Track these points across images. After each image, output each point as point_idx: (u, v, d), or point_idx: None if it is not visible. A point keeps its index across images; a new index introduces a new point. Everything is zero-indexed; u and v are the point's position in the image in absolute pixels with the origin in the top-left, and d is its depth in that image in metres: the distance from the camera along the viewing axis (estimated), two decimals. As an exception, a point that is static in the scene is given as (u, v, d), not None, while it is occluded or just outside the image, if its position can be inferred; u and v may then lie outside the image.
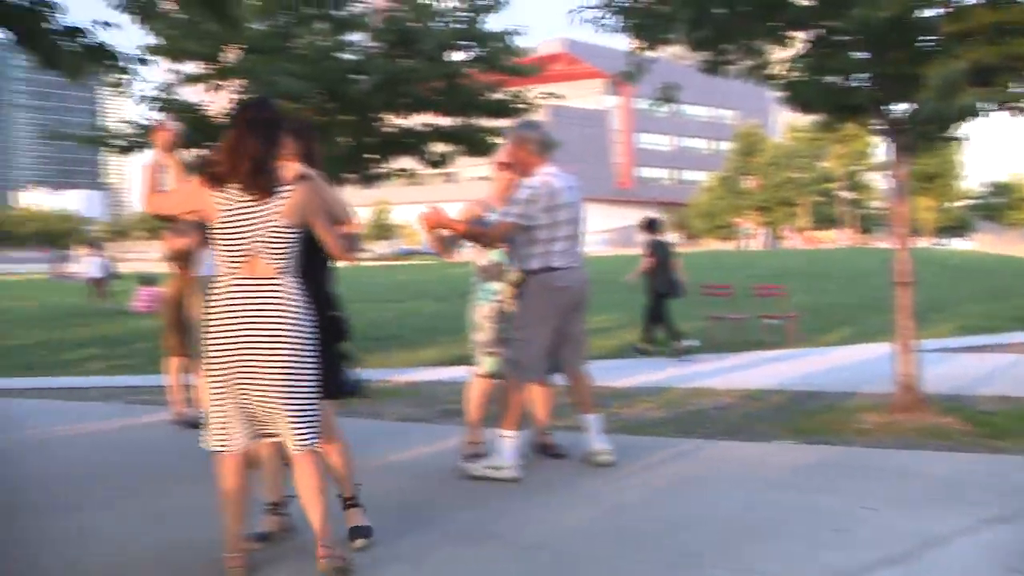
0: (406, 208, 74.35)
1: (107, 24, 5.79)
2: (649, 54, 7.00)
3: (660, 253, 11.64)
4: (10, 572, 3.94)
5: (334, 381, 4.31)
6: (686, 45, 6.98)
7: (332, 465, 4.26)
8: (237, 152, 3.74)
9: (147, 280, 22.01)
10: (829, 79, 7.05)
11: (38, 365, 12.09)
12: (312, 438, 3.83)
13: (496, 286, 5.72)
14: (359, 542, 4.21)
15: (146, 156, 10.12)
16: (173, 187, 4.13)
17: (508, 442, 5.38)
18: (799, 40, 7.02)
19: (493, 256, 5.76)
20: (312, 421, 3.83)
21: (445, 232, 5.53)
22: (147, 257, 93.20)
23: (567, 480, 5.39)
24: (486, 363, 5.72)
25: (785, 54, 7.10)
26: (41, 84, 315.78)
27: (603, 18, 6.85)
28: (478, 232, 5.54)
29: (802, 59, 6.99)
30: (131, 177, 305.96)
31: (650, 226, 11.92)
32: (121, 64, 5.34)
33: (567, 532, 4.45)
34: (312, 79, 8.76)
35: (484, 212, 5.72)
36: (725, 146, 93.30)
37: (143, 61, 6.20)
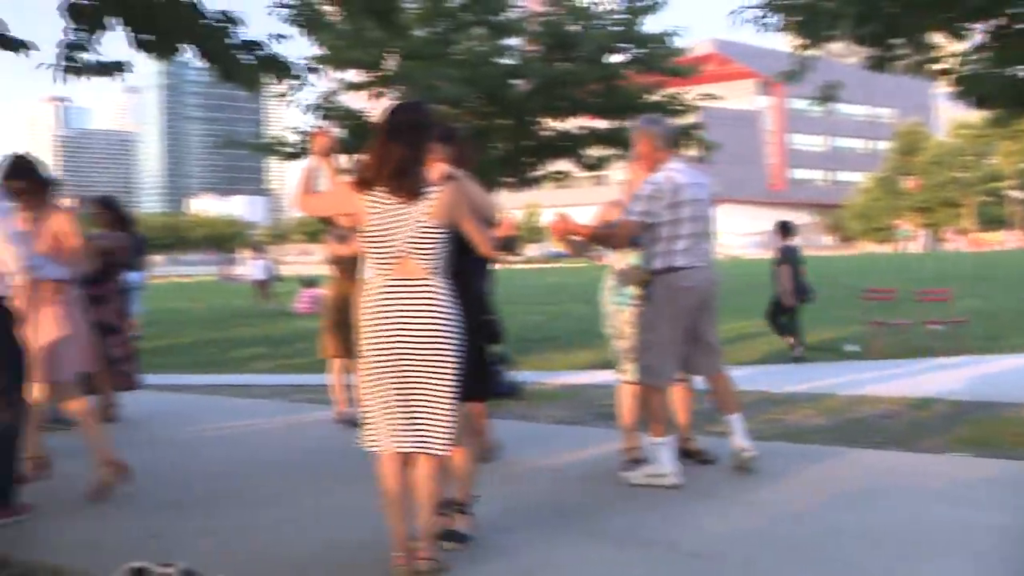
0: (556, 211, 74.37)
1: (280, 37, 6.00)
2: (811, 52, 6.77)
3: (791, 258, 11.41)
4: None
5: (488, 383, 4.31)
6: (851, 41, 6.71)
7: (458, 467, 4.25)
8: (382, 156, 3.80)
9: (309, 282, 22.76)
10: (1011, 71, 6.64)
11: (208, 363, 12.64)
12: (446, 442, 3.85)
13: (633, 290, 5.63)
14: (449, 544, 4.16)
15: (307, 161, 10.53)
16: (326, 189, 4.23)
17: (662, 448, 5.27)
18: (976, 32, 6.65)
19: (630, 259, 5.65)
20: (450, 424, 3.84)
21: (576, 238, 5.46)
22: (307, 260, 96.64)
23: (724, 486, 5.24)
24: (631, 369, 5.62)
25: (959, 47, 6.74)
26: (211, 97, 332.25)
27: (764, 17, 6.67)
28: (604, 235, 5.42)
29: (980, 51, 6.61)
30: (291, 183, 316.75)
31: (783, 230, 11.69)
32: (294, 74, 5.51)
33: (726, 539, 4.31)
34: (471, 84, 8.86)
35: (620, 212, 5.59)
36: (883, 145, 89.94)
37: (312, 71, 6.37)
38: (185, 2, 4.77)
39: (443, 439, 3.84)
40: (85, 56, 5.10)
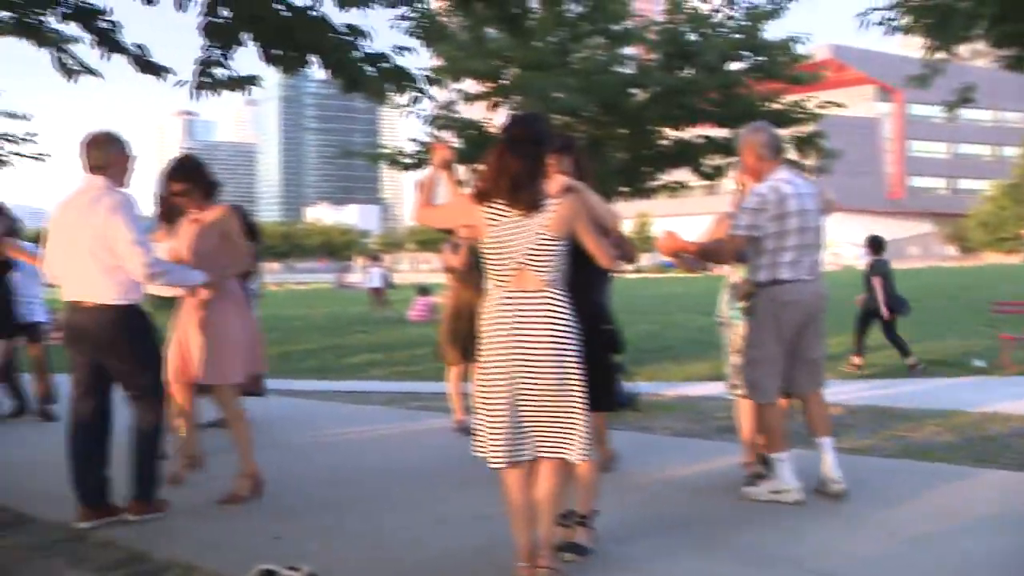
0: (668, 221, 74.27)
1: (404, 49, 6.08)
2: (941, 55, 6.52)
3: (883, 272, 11.30)
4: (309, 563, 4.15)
5: (607, 394, 4.27)
6: (987, 42, 6.43)
7: (581, 478, 4.22)
8: (499, 169, 3.81)
9: (423, 290, 23.07)
10: None
11: (325, 369, 12.89)
12: (584, 449, 3.83)
13: (741, 303, 5.48)
14: (569, 556, 4.13)
15: (426, 172, 10.67)
16: (445, 201, 4.26)
17: (783, 464, 5.13)
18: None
19: (741, 271, 5.51)
20: (586, 431, 3.83)
21: (684, 254, 5.34)
22: (420, 268, 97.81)
23: (847, 505, 5.04)
24: (742, 383, 5.47)
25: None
26: (327, 108, 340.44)
27: (893, 19, 6.45)
28: (711, 250, 5.28)
29: None
30: (404, 192, 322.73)
31: (873, 245, 11.59)
32: (418, 85, 5.57)
33: (850, 560, 4.17)
34: (589, 93, 8.84)
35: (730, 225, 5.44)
36: (1010, 151, 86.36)
37: (433, 82, 6.43)
38: (315, 17, 4.87)
39: (580, 446, 3.83)
40: (219, 72, 5.24)
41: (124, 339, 4.86)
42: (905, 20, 6.57)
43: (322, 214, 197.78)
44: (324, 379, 11.74)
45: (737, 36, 9.13)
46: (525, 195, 3.78)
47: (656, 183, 10.51)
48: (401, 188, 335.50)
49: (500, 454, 3.84)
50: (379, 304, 25.66)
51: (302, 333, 19.12)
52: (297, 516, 5.09)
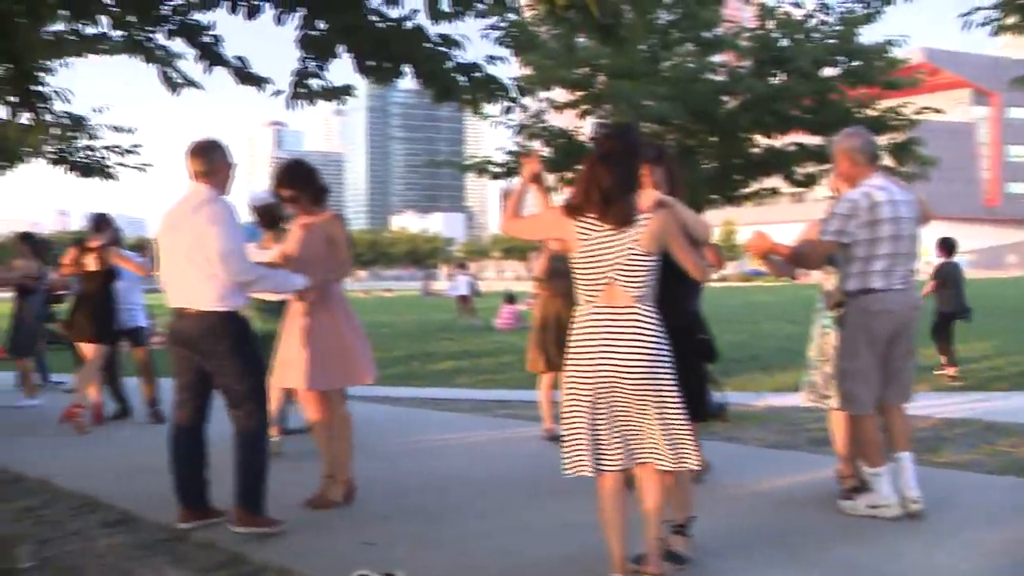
0: (753, 228, 73.04)
1: (495, 59, 6.12)
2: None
3: (952, 275, 11.12)
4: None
5: (702, 403, 4.23)
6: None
7: (677, 485, 4.20)
8: (590, 184, 3.80)
9: (510, 298, 23.14)
10: None
11: (412, 376, 13.00)
12: (689, 458, 3.82)
13: (832, 312, 5.34)
14: (668, 565, 4.08)
15: (514, 181, 10.71)
16: (534, 212, 4.26)
17: (880, 478, 4.99)
18: None
19: (833, 280, 5.37)
20: (687, 441, 3.81)
21: (774, 257, 5.23)
22: (504, 276, 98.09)
23: (946, 521, 4.89)
24: (835, 395, 5.34)
25: None
26: (413, 118, 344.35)
27: (999, 19, 6.23)
28: (800, 253, 5.15)
29: None
30: (489, 200, 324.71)
31: (945, 247, 11.34)
32: (510, 95, 5.60)
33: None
34: (679, 101, 8.77)
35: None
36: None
37: (524, 91, 6.46)
38: (410, 28, 4.93)
39: (683, 455, 3.82)
40: (314, 83, 5.34)
41: (225, 345, 4.91)
42: (1012, 20, 6.35)
43: (408, 222, 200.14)
44: (411, 386, 11.84)
45: (831, 41, 8.96)
46: (616, 209, 3.77)
47: (746, 191, 10.36)
48: (486, 196, 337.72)
49: (585, 464, 3.83)
50: (466, 312, 25.80)
51: (389, 340, 19.33)
52: (387, 522, 5.14)
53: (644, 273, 3.80)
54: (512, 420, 8.76)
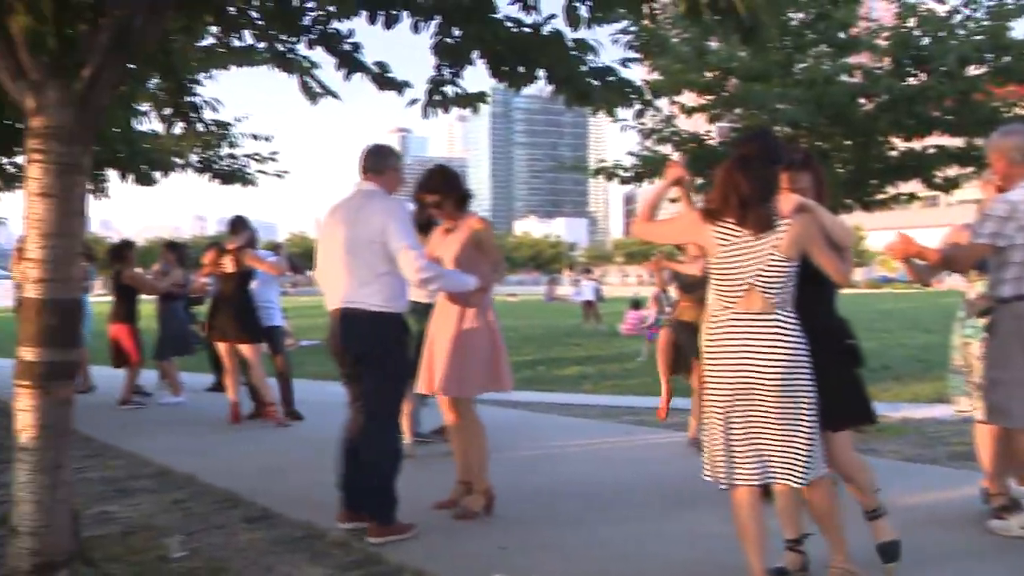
0: (881, 234, 70.94)
1: (629, 61, 6.09)
2: None
3: None
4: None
5: (855, 409, 4.11)
6: None
7: (790, 503, 4.09)
8: (727, 189, 3.76)
9: (636, 303, 23.01)
10: None
11: (538, 380, 13.04)
12: (810, 473, 3.73)
13: (979, 320, 5.08)
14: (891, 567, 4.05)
15: (645, 186, 10.63)
16: (670, 216, 4.21)
17: None
18: None
19: (982, 287, 5.11)
20: (810, 456, 3.72)
21: (918, 260, 4.99)
22: (627, 281, 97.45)
23: None
24: (981, 407, 5.07)
25: None
26: (535, 123, 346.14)
27: None
28: (949, 257, 4.89)
29: None
30: (612, 205, 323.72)
31: None
32: (645, 98, 5.56)
33: None
34: (813, 104, 8.55)
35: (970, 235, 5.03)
36: None
37: (657, 94, 6.40)
38: (546, 34, 4.94)
39: (806, 469, 3.72)
40: (448, 89, 5.40)
41: (382, 348, 4.91)
42: None
43: (530, 227, 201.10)
44: (537, 390, 11.88)
45: (978, 37, 8.56)
46: (754, 215, 3.71)
47: (883, 196, 10.01)
48: (608, 202, 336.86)
49: (722, 475, 3.80)
50: (593, 317, 25.75)
51: (515, 344, 19.45)
52: (520, 527, 5.16)
53: (784, 279, 3.72)
54: (639, 427, 8.70)
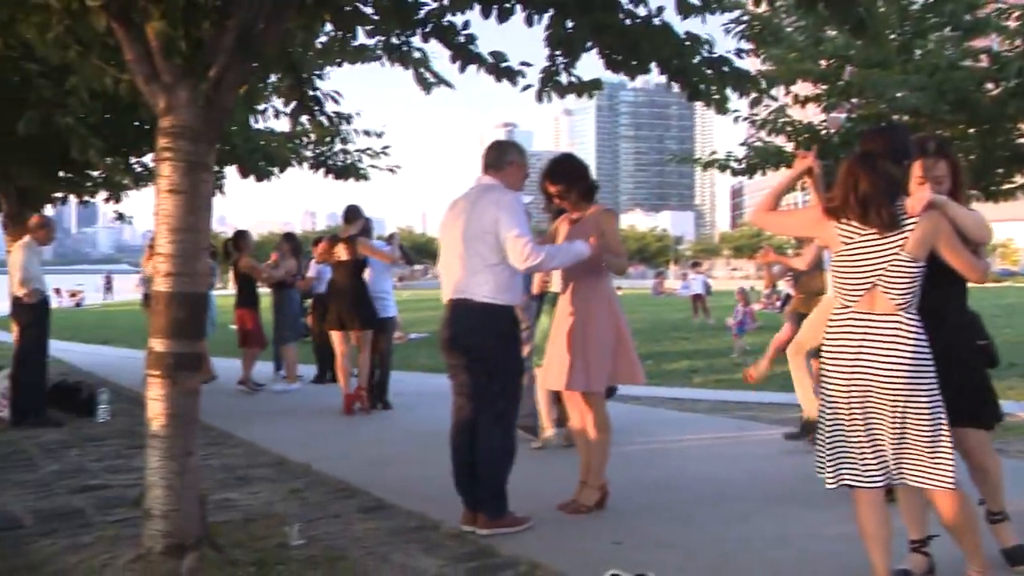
0: (1006, 226, 67.98)
1: (742, 52, 5.98)
2: None
3: None
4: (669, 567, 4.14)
5: (981, 407, 3.96)
6: None
7: (915, 504, 3.97)
8: (847, 187, 3.63)
9: (744, 297, 22.62)
10: None
11: (647, 375, 12.88)
12: (946, 478, 3.57)
13: None
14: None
15: (759, 178, 10.43)
16: (792, 210, 4.09)
17: None
18: None
19: None
20: (944, 459, 3.57)
21: None
22: (734, 275, 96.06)
23: None
24: None
25: None
26: (640, 116, 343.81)
27: None
28: None
29: None
30: (718, 198, 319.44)
31: None
32: (760, 88, 5.46)
33: None
34: (935, 91, 8.25)
35: None
36: None
37: (772, 84, 6.27)
38: (658, 25, 4.89)
39: (939, 473, 3.59)
40: (562, 78, 5.40)
41: (493, 340, 4.90)
42: None
43: (636, 220, 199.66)
44: (646, 385, 11.74)
45: None
46: (877, 214, 3.58)
47: (1009, 185, 9.59)
48: (715, 194, 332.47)
49: (842, 475, 3.70)
50: (702, 311, 25.43)
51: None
52: (635, 522, 5.12)
53: (908, 280, 3.58)
54: (752, 422, 8.55)
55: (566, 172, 5.41)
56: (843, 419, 3.66)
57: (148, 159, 11.82)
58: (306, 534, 4.78)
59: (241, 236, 11.27)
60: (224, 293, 28.60)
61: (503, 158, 5.05)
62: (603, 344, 5.25)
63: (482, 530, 4.82)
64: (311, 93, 6.17)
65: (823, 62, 8.98)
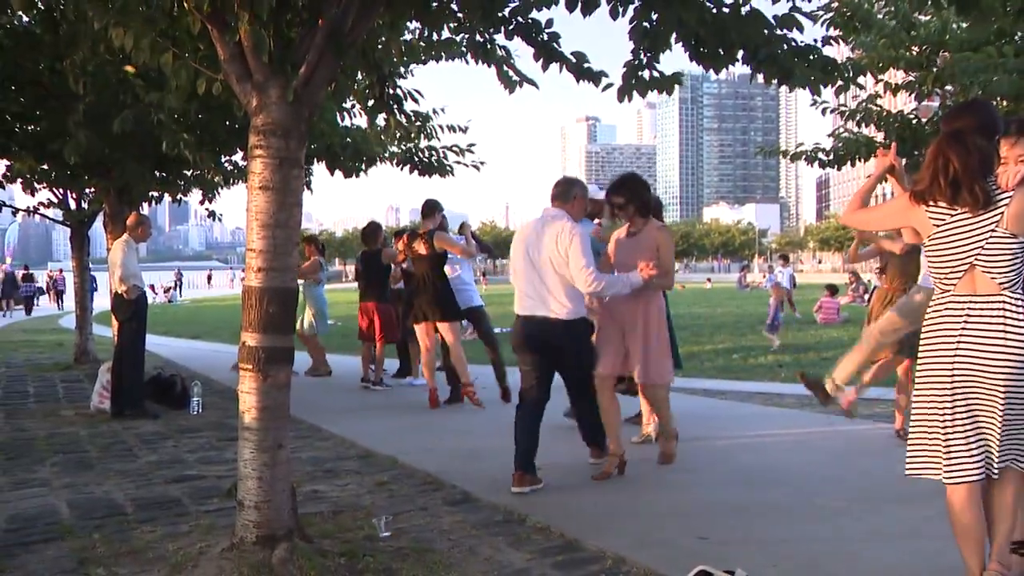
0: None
1: (831, 40, 5.85)
2: None
3: None
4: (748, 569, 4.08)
5: None
6: None
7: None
8: (936, 167, 3.53)
9: (833, 290, 22.23)
10: None
11: (732, 369, 12.78)
12: None
13: None
14: None
15: (848, 168, 10.19)
16: (881, 203, 3.99)
17: None
18: None
19: None
20: None
21: None
22: (819, 268, 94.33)
23: None
24: None
25: None
26: (724, 108, 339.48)
27: None
28: None
29: None
30: (804, 191, 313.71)
31: None
32: (849, 77, 5.34)
33: None
34: (1034, 74, 7.98)
35: None
36: None
37: (859, 72, 6.14)
38: (746, 13, 4.81)
39: None
40: (644, 74, 5.34)
41: (570, 345, 5.86)
42: None
43: (720, 213, 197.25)
44: (732, 379, 11.64)
45: None
46: (970, 192, 3.47)
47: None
48: (801, 187, 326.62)
49: (936, 470, 3.59)
50: (788, 305, 25.03)
51: (707, 332, 19.16)
52: (722, 517, 5.07)
53: (1010, 257, 3.47)
54: (841, 417, 8.36)
55: (628, 188, 6.22)
56: (944, 410, 3.56)
57: (239, 158, 12.10)
58: (393, 526, 4.84)
59: (375, 229, 11.27)
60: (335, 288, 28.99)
61: (570, 192, 5.96)
62: (666, 342, 6.22)
63: (594, 460, 6.27)
64: (391, 92, 6.22)
65: (915, 49, 8.75)
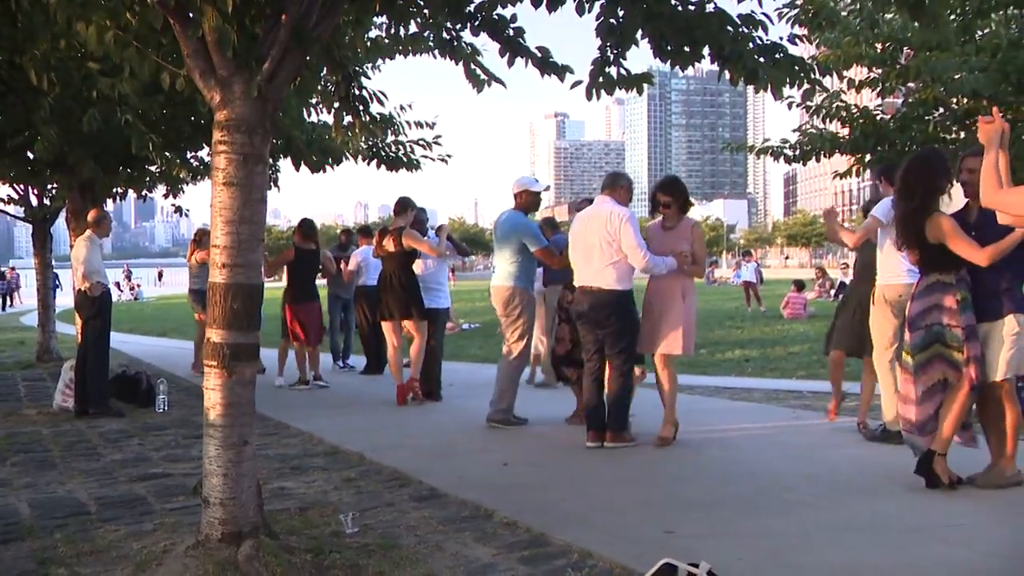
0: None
1: (796, 38, 5.89)
2: None
3: None
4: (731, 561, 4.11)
5: None
6: None
7: None
8: None
9: (800, 286, 22.41)
10: None
11: (699, 364, 12.79)
12: None
13: None
14: None
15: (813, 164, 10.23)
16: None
17: None
18: None
19: None
20: None
21: None
22: (787, 264, 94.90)
23: None
24: None
25: None
26: (692, 104, 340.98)
27: None
28: None
29: None
30: (771, 186, 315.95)
31: None
32: (814, 76, 5.37)
33: None
34: (997, 72, 8.06)
35: None
36: None
37: (824, 71, 6.17)
38: (712, 11, 4.83)
39: None
40: (612, 71, 5.34)
41: (616, 316, 6.89)
42: None
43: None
44: (700, 374, 11.69)
45: None
46: None
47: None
48: (768, 183, 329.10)
49: None
50: (755, 300, 25.23)
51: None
52: (687, 512, 5.10)
53: None
54: (807, 411, 8.45)
55: (675, 188, 7.16)
56: None
57: (204, 154, 11.99)
58: (360, 522, 4.83)
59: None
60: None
61: (617, 182, 7.21)
62: (684, 320, 6.94)
63: (610, 443, 6.83)
64: (356, 92, 6.19)
65: (879, 46, 8.83)
